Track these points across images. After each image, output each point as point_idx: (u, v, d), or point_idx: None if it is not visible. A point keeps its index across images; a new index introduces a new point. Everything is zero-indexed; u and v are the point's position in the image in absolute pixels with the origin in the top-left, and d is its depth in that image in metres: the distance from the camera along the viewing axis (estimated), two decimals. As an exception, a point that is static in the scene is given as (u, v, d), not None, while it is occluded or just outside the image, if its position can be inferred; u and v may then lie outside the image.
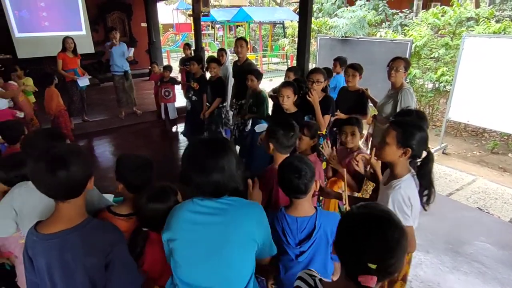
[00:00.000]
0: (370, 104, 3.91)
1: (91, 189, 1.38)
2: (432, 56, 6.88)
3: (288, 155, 2.08)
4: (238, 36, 5.61)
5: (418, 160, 1.79)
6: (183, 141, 6.19)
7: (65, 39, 5.94)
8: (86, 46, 9.46)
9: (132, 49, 6.58)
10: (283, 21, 17.71)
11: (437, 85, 6.92)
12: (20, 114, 4.24)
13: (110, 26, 9.47)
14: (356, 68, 3.77)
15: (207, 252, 1.33)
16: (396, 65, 3.26)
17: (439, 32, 7.41)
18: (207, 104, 5.09)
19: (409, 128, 1.73)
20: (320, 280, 1.13)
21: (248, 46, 5.02)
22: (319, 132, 3.24)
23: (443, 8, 7.08)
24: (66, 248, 1.26)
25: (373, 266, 0.92)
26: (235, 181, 1.38)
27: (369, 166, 2.36)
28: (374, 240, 0.93)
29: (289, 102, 3.07)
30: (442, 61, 6.87)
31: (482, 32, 6.22)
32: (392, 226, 0.95)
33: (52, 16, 9.28)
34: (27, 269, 1.36)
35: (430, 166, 1.74)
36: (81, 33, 9.67)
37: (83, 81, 6.14)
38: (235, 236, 1.34)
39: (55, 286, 1.32)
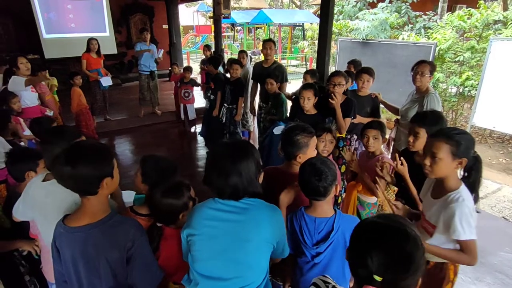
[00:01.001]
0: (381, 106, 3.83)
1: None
2: (456, 59, 6.70)
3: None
4: (266, 38, 5.41)
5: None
6: (201, 141, 6.26)
7: (90, 40, 6.11)
8: (109, 47, 9.70)
9: (162, 51, 6.77)
10: (303, 24, 17.67)
11: (461, 90, 6.74)
12: (50, 112, 4.35)
13: (141, 27, 9.73)
14: (371, 73, 3.62)
15: (224, 247, 1.37)
16: (421, 69, 3.19)
17: (465, 35, 7.21)
18: (225, 104, 5.13)
19: (459, 137, 1.64)
20: (334, 287, 1.12)
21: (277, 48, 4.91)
22: (339, 135, 3.23)
23: (469, 10, 6.89)
24: (89, 242, 1.31)
25: (378, 279, 0.88)
26: (254, 185, 1.41)
27: (392, 171, 2.31)
28: (383, 251, 0.90)
29: (309, 104, 3.11)
30: (467, 65, 6.68)
31: (510, 36, 6.03)
32: (405, 240, 0.91)
33: (78, 18, 9.57)
34: (54, 259, 1.42)
35: (481, 168, 1.69)
36: (105, 34, 9.92)
37: (106, 81, 6.29)
38: (253, 235, 1.38)
39: (79, 277, 1.37)
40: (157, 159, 1.88)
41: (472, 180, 1.68)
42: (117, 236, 1.34)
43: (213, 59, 5.66)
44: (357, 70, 3.88)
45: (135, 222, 1.44)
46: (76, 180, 1.26)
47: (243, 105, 5.06)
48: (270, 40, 4.68)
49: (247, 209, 1.40)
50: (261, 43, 17.77)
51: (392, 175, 2.31)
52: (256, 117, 5.15)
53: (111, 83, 6.46)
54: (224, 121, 5.16)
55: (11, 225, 2.06)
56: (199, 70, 7.80)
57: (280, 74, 4.47)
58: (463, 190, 1.67)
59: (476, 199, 1.71)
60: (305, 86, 3.19)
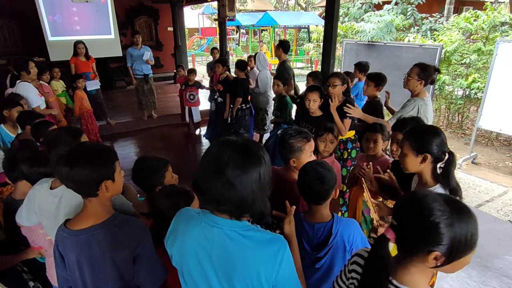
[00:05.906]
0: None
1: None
2: (463, 62, 6.65)
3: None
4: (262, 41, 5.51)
5: (440, 163, 1.74)
6: (206, 144, 6.26)
7: (76, 44, 6.07)
8: (115, 50, 9.72)
9: (150, 53, 6.60)
10: (308, 26, 17.65)
11: (467, 92, 6.68)
12: (54, 111, 4.37)
13: (135, 30, 9.64)
14: (377, 81, 3.54)
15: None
16: (409, 72, 2.97)
17: (471, 37, 7.16)
18: (231, 106, 5.16)
19: (421, 134, 1.72)
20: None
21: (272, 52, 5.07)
22: (347, 137, 3.21)
23: (476, 12, 6.84)
24: (95, 243, 1.31)
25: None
26: (263, 203, 1.09)
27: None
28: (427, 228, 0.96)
29: (315, 106, 3.13)
30: (474, 67, 6.63)
31: (517, 38, 5.98)
32: (428, 212, 0.97)
33: (83, 21, 9.59)
34: (58, 265, 1.41)
35: (452, 166, 1.68)
36: (110, 37, 9.94)
37: (91, 85, 6.13)
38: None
39: (85, 281, 1.37)
40: (140, 160, 1.92)
41: (445, 175, 1.68)
42: (123, 236, 1.34)
43: (223, 60, 5.68)
44: (366, 76, 3.87)
45: (139, 221, 1.44)
46: (74, 181, 1.27)
47: (244, 106, 5.11)
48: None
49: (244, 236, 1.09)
50: (264, 45, 17.65)
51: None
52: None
53: (97, 87, 6.30)
54: (230, 121, 5.21)
55: (5, 236, 2.05)
56: (207, 73, 7.81)
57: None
58: (437, 189, 1.69)
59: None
60: (311, 88, 3.18)
